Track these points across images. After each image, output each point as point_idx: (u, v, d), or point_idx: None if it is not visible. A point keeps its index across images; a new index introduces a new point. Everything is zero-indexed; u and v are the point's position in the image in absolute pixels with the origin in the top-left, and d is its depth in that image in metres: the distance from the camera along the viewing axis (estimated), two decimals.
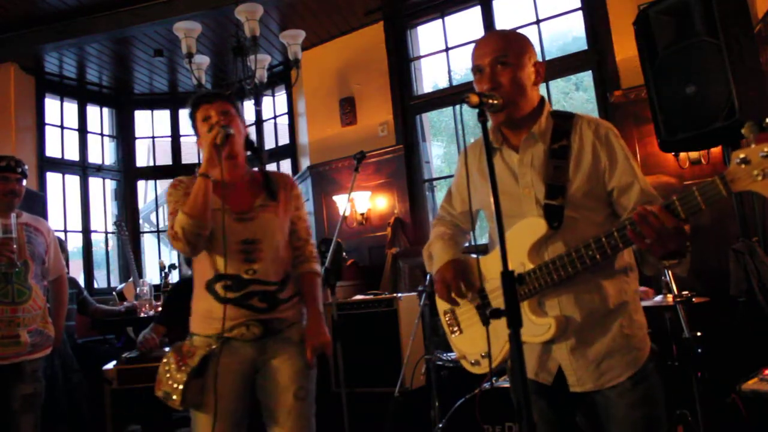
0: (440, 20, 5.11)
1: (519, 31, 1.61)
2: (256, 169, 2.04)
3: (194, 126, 1.96)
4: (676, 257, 1.30)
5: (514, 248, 1.44)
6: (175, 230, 1.72)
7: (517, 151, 1.53)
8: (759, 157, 1.07)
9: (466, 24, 5.14)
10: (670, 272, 2.53)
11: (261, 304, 1.80)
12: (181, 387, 1.72)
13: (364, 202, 5.03)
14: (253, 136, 6.35)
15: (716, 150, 3.43)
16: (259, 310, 1.80)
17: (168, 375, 1.76)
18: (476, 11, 4.86)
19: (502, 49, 1.47)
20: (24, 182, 2.71)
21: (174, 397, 1.72)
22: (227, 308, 1.76)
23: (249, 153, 2.04)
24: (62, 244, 4.32)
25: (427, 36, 5.43)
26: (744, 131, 1.09)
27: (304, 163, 5.66)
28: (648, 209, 1.22)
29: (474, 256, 1.66)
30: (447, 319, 1.71)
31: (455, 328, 1.68)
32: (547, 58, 4.62)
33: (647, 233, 1.22)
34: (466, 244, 1.83)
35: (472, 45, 1.54)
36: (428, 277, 2.98)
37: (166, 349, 1.92)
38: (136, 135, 6.48)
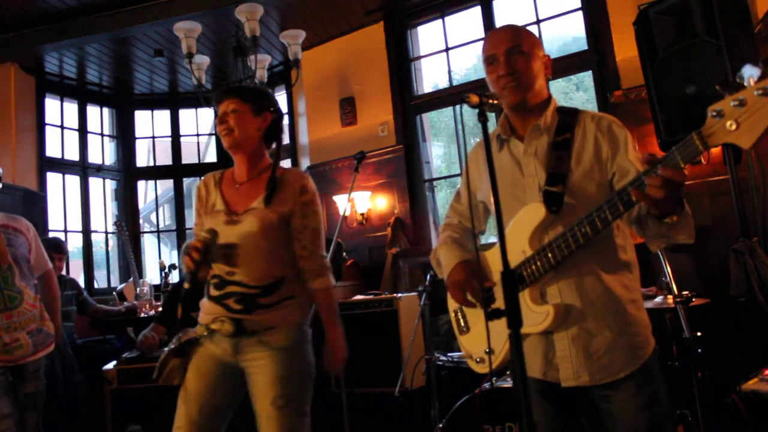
0: (440, 20, 5.10)
1: None
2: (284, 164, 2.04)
3: None
4: (675, 212, 1.25)
5: (515, 236, 1.46)
6: None
7: (523, 141, 1.55)
8: (731, 107, 1.07)
9: (466, 24, 5.14)
10: (670, 272, 2.53)
11: (237, 305, 1.83)
12: (159, 363, 1.87)
13: (364, 202, 5.03)
14: None
15: (716, 150, 3.42)
16: (233, 311, 1.83)
17: (161, 356, 1.91)
18: (476, 11, 4.86)
19: (516, 39, 1.51)
20: None
21: (155, 372, 1.86)
22: (210, 304, 1.89)
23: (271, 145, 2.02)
24: (62, 245, 4.33)
25: (427, 36, 5.44)
26: (718, 88, 1.08)
27: (304, 163, 5.66)
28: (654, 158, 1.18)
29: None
30: (456, 318, 1.70)
31: (463, 327, 1.68)
32: None
33: (655, 181, 1.16)
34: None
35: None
36: (428, 277, 2.98)
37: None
38: (137, 135, 6.47)
